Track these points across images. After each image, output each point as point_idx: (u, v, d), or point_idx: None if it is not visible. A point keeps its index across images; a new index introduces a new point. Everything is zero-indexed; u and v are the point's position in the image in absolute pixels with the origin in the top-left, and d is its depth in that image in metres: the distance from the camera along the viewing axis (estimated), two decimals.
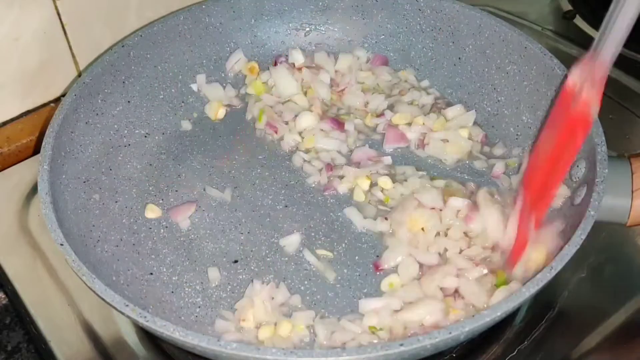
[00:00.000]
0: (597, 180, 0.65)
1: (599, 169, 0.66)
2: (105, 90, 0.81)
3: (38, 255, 0.78)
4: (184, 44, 0.89)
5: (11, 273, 0.76)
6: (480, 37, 0.85)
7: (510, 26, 0.82)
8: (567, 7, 1.09)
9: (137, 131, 0.85)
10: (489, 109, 0.86)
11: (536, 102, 0.80)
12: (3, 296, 0.75)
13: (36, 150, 0.91)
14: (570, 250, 0.61)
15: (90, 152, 0.79)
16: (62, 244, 0.64)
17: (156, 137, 0.86)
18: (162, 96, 0.88)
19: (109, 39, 0.89)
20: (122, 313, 0.60)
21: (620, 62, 0.97)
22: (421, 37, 0.90)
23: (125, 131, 0.84)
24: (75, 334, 0.71)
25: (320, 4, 0.93)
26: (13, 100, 0.88)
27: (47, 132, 0.73)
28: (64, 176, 0.73)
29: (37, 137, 0.91)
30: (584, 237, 0.62)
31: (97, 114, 0.80)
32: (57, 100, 0.91)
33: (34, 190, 0.84)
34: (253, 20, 0.92)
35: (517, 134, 0.82)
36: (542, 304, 0.72)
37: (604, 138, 0.69)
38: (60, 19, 0.85)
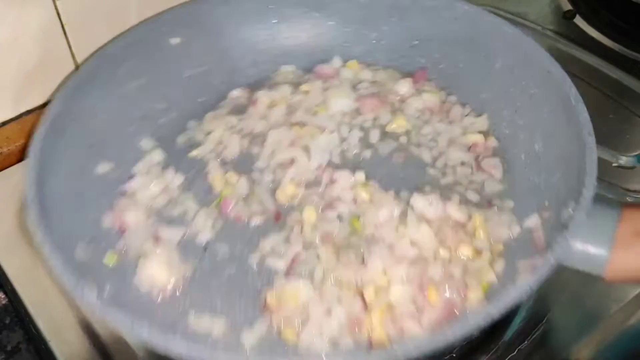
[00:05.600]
0: (570, 224, 0.60)
1: (576, 214, 0.61)
2: (129, 62, 0.81)
3: (38, 255, 0.77)
4: (216, 26, 0.87)
5: (11, 273, 0.76)
6: (510, 54, 0.81)
7: (537, 46, 0.78)
8: (567, 7, 1.09)
9: (155, 105, 0.84)
10: (507, 132, 0.81)
11: (551, 131, 0.75)
12: (3, 296, 0.75)
13: None
14: (513, 293, 0.58)
15: (102, 118, 0.78)
16: (31, 201, 0.64)
17: (174, 114, 0.85)
18: (187, 75, 0.87)
19: (109, 39, 0.89)
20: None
21: (620, 62, 0.97)
22: (454, 48, 0.87)
23: (143, 104, 0.82)
24: (75, 334, 0.71)
25: (360, 1, 0.90)
26: (13, 100, 0.88)
27: (56, 94, 0.73)
28: (65, 138, 0.73)
29: None
30: (533, 285, 0.58)
31: (116, 84, 0.80)
32: None
33: None
34: (291, 11, 0.90)
35: (526, 162, 0.78)
36: (542, 303, 0.72)
37: (594, 180, 0.63)
38: (60, 18, 0.85)
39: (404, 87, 0.87)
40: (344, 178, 0.77)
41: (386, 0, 0.89)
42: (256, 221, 0.76)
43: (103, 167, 0.77)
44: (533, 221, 0.71)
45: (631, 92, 0.93)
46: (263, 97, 0.87)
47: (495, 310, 0.57)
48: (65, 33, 0.87)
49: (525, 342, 0.69)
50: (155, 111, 0.84)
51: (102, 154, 0.78)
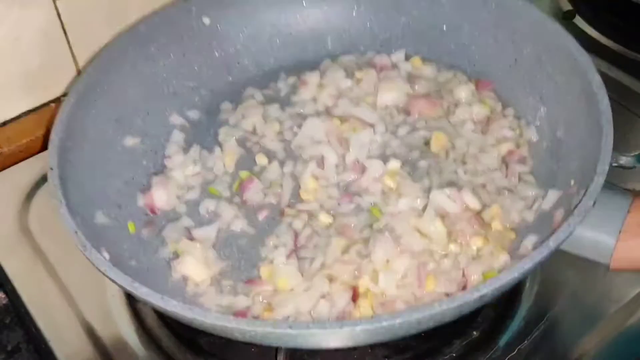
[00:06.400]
0: (575, 210, 0.60)
1: (584, 200, 0.60)
2: (161, 40, 0.83)
3: (38, 255, 0.78)
4: (248, 8, 0.89)
5: (11, 273, 0.76)
6: (538, 40, 0.80)
7: (565, 33, 0.77)
8: (567, 7, 1.09)
9: (185, 83, 0.86)
10: (530, 118, 0.82)
11: (573, 120, 0.75)
12: (3, 296, 0.75)
13: (39, 148, 0.91)
14: (507, 275, 0.57)
15: (131, 94, 0.80)
16: (51, 168, 0.66)
17: (202, 92, 0.87)
18: (218, 54, 0.88)
19: (109, 39, 0.89)
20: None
21: (620, 62, 0.97)
22: (483, 34, 0.86)
23: (174, 81, 0.85)
24: (75, 334, 0.71)
25: None
26: (13, 100, 0.88)
27: (86, 68, 0.76)
28: (93, 110, 0.75)
29: (38, 136, 0.91)
30: (527, 266, 0.57)
31: (147, 60, 0.82)
32: (57, 100, 0.91)
33: (34, 190, 0.84)
34: None
35: (547, 150, 0.78)
36: (542, 303, 0.72)
37: (606, 167, 0.62)
38: (60, 19, 0.85)
39: (464, 92, 0.85)
40: (375, 167, 0.77)
41: None
42: (270, 210, 0.77)
43: (130, 140, 0.79)
44: (547, 207, 0.71)
45: (631, 92, 0.93)
46: (312, 78, 0.88)
47: (486, 289, 0.56)
48: (65, 33, 0.87)
49: (525, 342, 0.69)
50: (185, 88, 0.86)
51: (130, 127, 0.80)
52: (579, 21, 1.05)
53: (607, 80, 0.91)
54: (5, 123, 0.89)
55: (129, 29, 0.81)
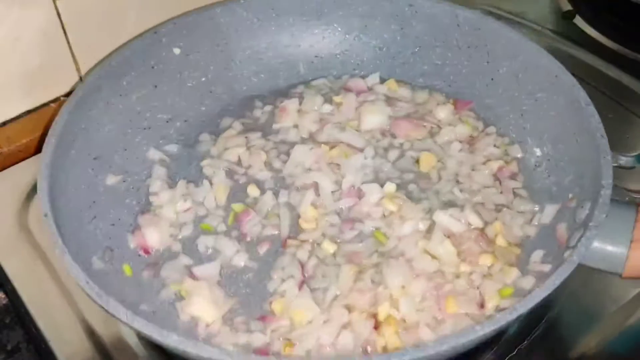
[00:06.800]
0: (590, 224, 0.62)
1: (597, 214, 0.63)
2: (132, 73, 0.82)
3: (38, 255, 0.78)
4: (218, 36, 0.88)
5: (11, 273, 0.76)
6: (515, 59, 0.81)
7: (542, 51, 0.79)
8: (567, 6, 1.09)
9: (159, 115, 0.85)
10: (514, 135, 0.83)
11: (560, 135, 0.76)
12: (3, 296, 0.75)
13: (38, 149, 0.91)
14: (540, 293, 0.59)
15: (107, 131, 0.79)
16: (45, 215, 0.65)
17: (177, 124, 0.86)
18: (190, 84, 0.88)
19: (109, 39, 0.89)
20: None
21: (620, 62, 0.97)
22: (457, 54, 0.87)
23: (147, 114, 0.84)
24: (75, 334, 0.71)
25: (360, 9, 0.90)
26: (13, 100, 0.88)
27: (62, 108, 0.74)
28: (73, 151, 0.74)
29: (38, 136, 0.91)
30: (557, 282, 0.59)
31: (120, 95, 0.81)
32: (57, 100, 0.91)
33: (34, 190, 0.83)
34: (291, 19, 0.91)
35: (536, 165, 0.80)
36: (542, 304, 0.72)
37: (611, 181, 0.65)
38: (60, 19, 0.85)
39: (443, 112, 0.86)
40: (373, 191, 0.77)
41: (386, 8, 0.90)
42: (271, 242, 0.76)
43: (112, 179, 0.78)
44: (547, 221, 0.73)
45: (631, 92, 0.93)
46: (291, 105, 0.87)
47: (523, 308, 0.58)
48: (65, 33, 0.87)
49: (525, 342, 0.69)
50: (160, 121, 0.85)
51: (110, 166, 0.79)
52: (579, 21, 1.06)
53: (607, 80, 0.92)
54: (5, 123, 0.89)
55: (101, 63, 0.80)
